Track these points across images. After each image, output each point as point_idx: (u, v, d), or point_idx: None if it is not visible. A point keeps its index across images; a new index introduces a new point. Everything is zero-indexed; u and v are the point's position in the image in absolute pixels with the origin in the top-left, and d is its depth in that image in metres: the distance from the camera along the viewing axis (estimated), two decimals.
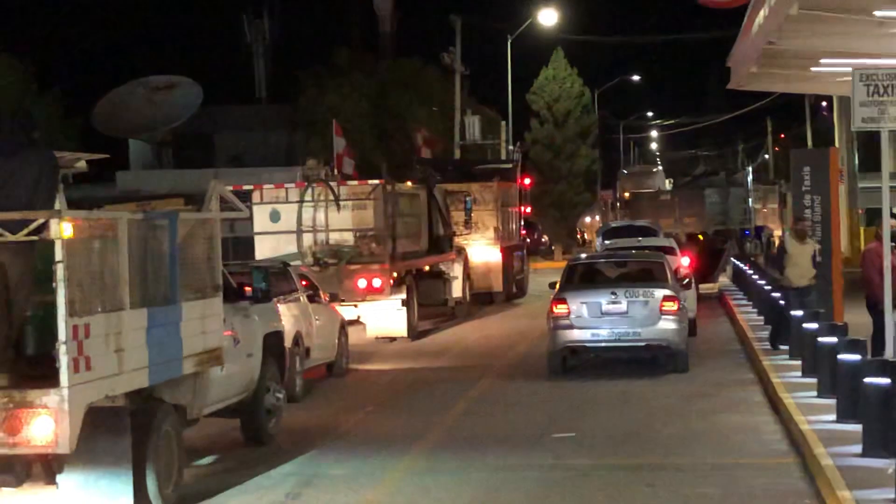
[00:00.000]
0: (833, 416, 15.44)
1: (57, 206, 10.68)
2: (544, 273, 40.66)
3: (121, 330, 11.42)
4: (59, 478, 11.64)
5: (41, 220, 10.67)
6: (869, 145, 53.03)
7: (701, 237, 52.52)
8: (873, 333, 18.42)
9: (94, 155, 20.61)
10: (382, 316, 27.41)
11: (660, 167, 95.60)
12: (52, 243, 10.60)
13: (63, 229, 10.58)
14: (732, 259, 45.60)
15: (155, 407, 12.38)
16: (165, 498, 12.17)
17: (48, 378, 10.64)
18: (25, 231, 10.73)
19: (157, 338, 12.09)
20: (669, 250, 30.06)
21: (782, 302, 22.43)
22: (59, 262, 10.58)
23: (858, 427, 13.81)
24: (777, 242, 36.68)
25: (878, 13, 20.43)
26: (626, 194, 65.21)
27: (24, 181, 11.37)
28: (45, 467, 11.60)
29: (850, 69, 16.37)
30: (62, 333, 10.55)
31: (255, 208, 27.90)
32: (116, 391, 11.48)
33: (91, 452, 11.28)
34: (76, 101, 47.22)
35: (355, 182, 29.62)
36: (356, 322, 26.58)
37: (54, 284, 10.59)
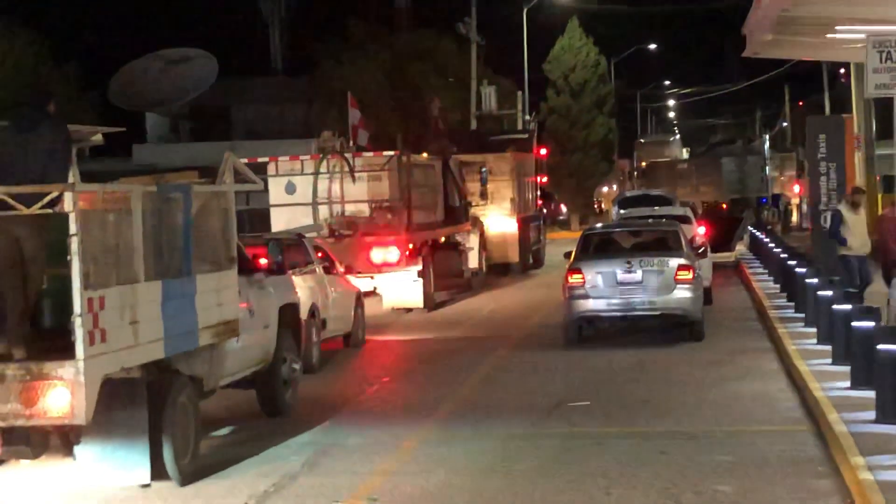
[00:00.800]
0: (847, 383, 15.48)
1: (71, 179, 10.71)
2: (561, 243, 40.69)
3: (136, 302, 11.45)
4: (75, 449, 11.74)
5: (55, 194, 10.70)
6: (887, 113, 52.87)
7: (724, 206, 52.56)
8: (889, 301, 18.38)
9: (111, 128, 20.69)
10: (398, 287, 27.42)
11: (677, 136, 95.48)
12: (66, 216, 10.63)
13: (77, 202, 10.63)
14: (749, 228, 45.55)
15: (171, 378, 12.41)
16: (182, 469, 12.21)
17: (64, 350, 10.69)
18: (39, 204, 10.74)
19: (173, 310, 12.11)
20: (685, 219, 30.03)
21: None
22: (73, 235, 10.60)
23: (872, 394, 13.84)
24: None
25: None
26: (643, 163, 65.23)
27: (38, 155, 11.42)
28: (62, 439, 11.68)
29: (863, 36, 16.31)
30: (77, 306, 10.58)
31: (270, 180, 27.96)
32: (132, 363, 11.53)
33: (108, 424, 11.38)
34: (93, 74, 47.27)
35: (370, 153, 29.60)
36: (372, 293, 26.61)
37: (69, 257, 10.62)
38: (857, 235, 21.47)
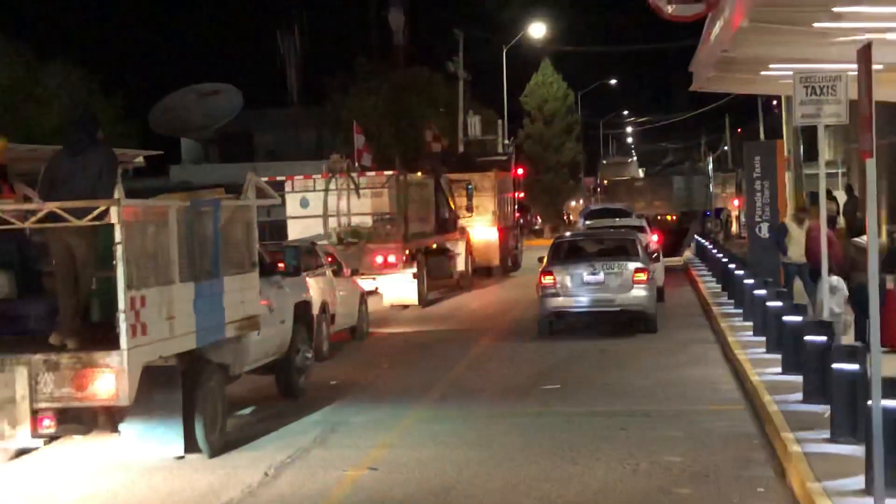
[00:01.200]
0: (779, 369, 15.48)
1: (116, 195, 10.70)
2: (536, 249, 40.61)
3: (172, 300, 11.45)
4: (120, 427, 11.72)
5: (103, 208, 10.68)
6: (811, 137, 52.90)
7: (674, 218, 52.66)
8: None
9: (151, 151, 20.64)
10: (397, 287, 27.44)
11: (634, 158, 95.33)
12: (112, 227, 10.62)
13: (122, 215, 10.61)
14: (695, 236, 45.59)
15: (202, 366, 12.41)
16: (211, 443, 12.23)
17: (110, 342, 10.68)
18: (89, 217, 10.74)
19: (203, 307, 12.11)
20: (641, 229, 30.06)
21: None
22: (118, 243, 10.60)
23: (800, 378, 13.84)
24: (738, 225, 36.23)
25: (816, 25, 20.36)
26: (605, 181, 65.10)
27: (89, 174, 11.40)
28: (109, 418, 11.63)
29: (792, 73, 16.32)
30: (122, 304, 10.58)
31: (287, 196, 28.00)
32: (168, 352, 11.53)
33: (147, 405, 11.36)
34: (136, 104, 47.21)
35: (373, 173, 29.61)
36: (374, 292, 26.62)
37: (114, 262, 10.62)
38: (798, 247, 21.45)
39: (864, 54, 8.48)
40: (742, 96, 58.66)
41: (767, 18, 20.04)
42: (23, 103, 39.64)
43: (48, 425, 10.83)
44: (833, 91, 14.91)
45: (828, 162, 21.45)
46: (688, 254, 43.98)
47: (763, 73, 27.94)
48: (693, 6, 16.47)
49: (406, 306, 27.85)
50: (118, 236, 10.59)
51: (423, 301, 28.25)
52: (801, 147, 56.25)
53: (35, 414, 10.73)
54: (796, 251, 21.46)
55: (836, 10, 18.77)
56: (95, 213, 10.70)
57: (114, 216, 10.60)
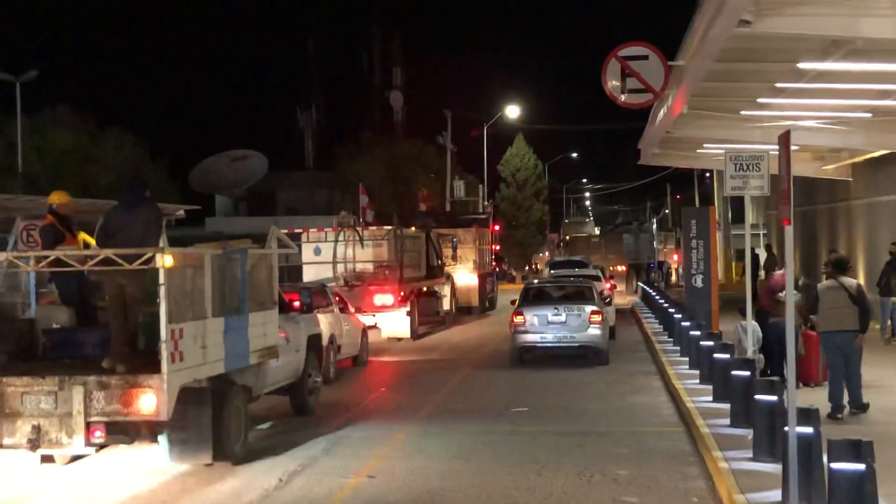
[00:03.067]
0: (710, 398, 15.43)
1: (161, 244, 10.67)
2: (508, 293, 40.57)
3: (205, 332, 11.38)
4: (160, 438, 11.61)
5: (150, 254, 10.65)
6: (738, 204, 53.11)
7: (624, 269, 52.85)
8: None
9: (190, 206, 20.58)
10: (393, 322, 27.31)
11: (591, 218, 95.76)
12: (157, 271, 10.58)
13: (165, 261, 10.60)
14: (640, 284, 45.60)
15: (229, 387, 12.30)
16: (236, 452, 12.13)
17: (153, 366, 10.61)
18: (138, 262, 10.70)
19: (231, 338, 12.04)
20: (596, 278, 30.06)
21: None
22: (161, 284, 10.55)
23: (727, 405, 13.80)
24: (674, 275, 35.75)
25: (743, 112, 20.55)
26: (567, 237, 65.30)
27: (139, 226, 11.40)
28: (150, 430, 11.52)
29: (723, 151, 16.43)
30: (163, 334, 10.51)
31: (303, 245, 27.96)
32: (201, 376, 11.44)
33: (182, 419, 11.26)
34: (178, 166, 47.31)
35: (374, 227, 29.65)
36: (374, 326, 26.50)
37: (158, 300, 10.57)
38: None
39: (785, 139, 8.54)
40: (681, 169, 59.02)
41: (703, 106, 20.26)
42: (83, 164, 39.65)
43: (99, 436, 10.74)
44: (757, 167, 14.98)
45: (751, 225, 21.47)
46: (634, 298, 43.92)
47: (699, 150, 28.19)
48: (641, 95, 16.55)
49: (400, 339, 27.72)
50: (162, 278, 10.54)
51: (415, 335, 28.12)
52: (729, 212, 56.65)
53: (88, 426, 10.64)
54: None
55: (759, 100, 18.98)
56: (143, 258, 10.66)
57: (159, 261, 10.56)
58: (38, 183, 34.93)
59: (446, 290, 33.54)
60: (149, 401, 10.54)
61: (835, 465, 8.06)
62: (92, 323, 12.56)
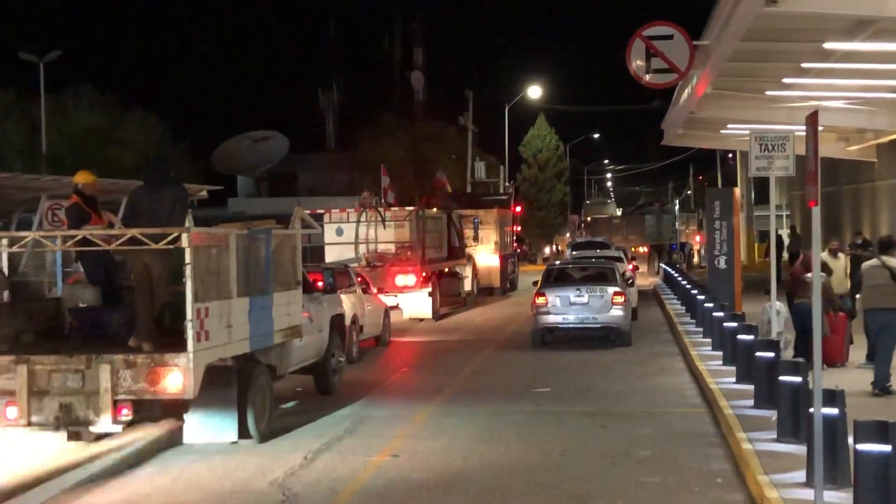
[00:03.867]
0: (733, 379, 15.41)
1: (186, 224, 10.73)
2: (529, 274, 40.59)
3: (230, 312, 11.44)
4: (185, 416, 11.71)
5: (175, 234, 10.70)
6: (761, 185, 52.88)
7: (646, 250, 52.86)
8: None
9: (213, 187, 20.64)
10: (414, 303, 27.40)
11: (613, 199, 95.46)
12: (182, 250, 10.63)
13: (191, 241, 10.65)
14: (662, 265, 45.50)
15: (253, 366, 12.40)
16: (260, 431, 12.21)
17: (179, 345, 10.68)
18: (164, 241, 10.75)
19: (256, 318, 12.10)
20: (619, 259, 30.02)
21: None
22: (187, 263, 10.61)
23: (751, 387, 13.78)
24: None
25: (768, 92, 20.42)
26: (589, 218, 65.18)
27: (164, 207, 11.45)
28: (176, 408, 11.65)
29: (748, 132, 16.34)
30: (189, 314, 10.57)
31: (325, 226, 28.03)
32: (227, 355, 11.53)
33: (208, 398, 11.35)
34: (200, 147, 47.41)
35: (396, 208, 29.66)
36: (396, 307, 26.57)
37: (184, 279, 10.63)
38: (835, 278, 19.84)
39: (812, 119, 8.48)
40: (704, 150, 58.75)
41: (727, 87, 20.17)
42: (106, 145, 39.80)
43: (126, 413, 10.82)
44: (783, 148, 14.91)
45: (777, 205, 21.29)
46: (656, 279, 43.84)
47: (722, 131, 28.07)
48: (666, 75, 16.49)
49: (422, 319, 27.80)
50: (187, 258, 10.59)
51: (436, 315, 28.19)
52: (752, 193, 56.39)
53: (115, 404, 10.72)
54: (834, 283, 18.35)
55: (785, 81, 18.87)
56: (169, 238, 10.71)
57: (184, 241, 10.61)
58: (62, 163, 35.10)
59: (468, 271, 33.58)
60: (175, 379, 10.61)
61: (861, 447, 8.04)
62: (118, 302, 12.66)
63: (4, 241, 11.48)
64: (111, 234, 11.33)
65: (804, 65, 17.04)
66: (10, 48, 38.20)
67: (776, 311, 16.06)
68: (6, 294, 12.29)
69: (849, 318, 16.60)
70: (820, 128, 8.54)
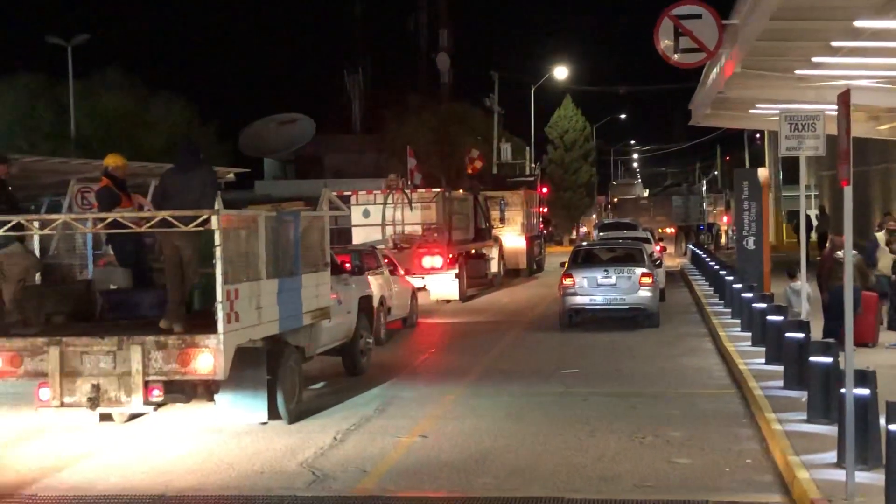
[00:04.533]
0: (763, 360, 15.36)
1: (216, 206, 10.77)
2: (556, 255, 40.56)
3: (260, 293, 11.49)
4: (216, 396, 11.80)
5: (205, 216, 10.74)
6: (789, 165, 52.52)
7: (674, 231, 52.71)
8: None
9: (240, 169, 20.72)
10: (441, 284, 27.41)
11: (639, 180, 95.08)
12: (212, 232, 10.67)
13: (220, 222, 10.70)
14: (690, 246, 45.31)
15: (283, 347, 12.46)
16: (290, 412, 12.28)
17: (209, 327, 10.74)
18: (194, 224, 10.80)
19: (285, 299, 12.15)
20: (646, 240, 29.91)
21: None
22: (217, 245, 10.64)
23: (780, 368, 13.74)
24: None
25: (797, 72, 20.24)
26: (615, 199, 64.93)
27: (194, 189, 11.50)
28: (206, 389, 11.73)
29: (777, 112, 16.21)
30: (219, 295, 10.62)
31: (352, 208, 28.05)
32: (256, 336, 11.57)
33: (238, 379, 11.44)
34: (227, 130, 47.48)
35: (423, 190, 29.65)
36: (423, 289, 26.60)
37: (214, 261, 10.68)
38: (887, 259, 18.34)
39: (844, 98, 8.41)
40: (731, 130, 58.37)
41: (756, 66, 19.98)
42: (133, 128, 39.96)
43: (157, 395, 10.93)
44: (813, 128, 14.79)
45: (806, 185, 21.17)
46: (684, 260, 43.67)
47: (751, 111, 27.83)
48: (694, 55, 16.37)
49: (449, 301, 27.83)
50: (217, 240, 10.63)
51: (463, 297, 28.21)
52: (780, 173, 56.01)
53: (147, 385, 10.83)
54: (885, 263, 18.27)
55: (814, 60, 18.68)
56: (199, 220, 10.75)
57: (214, 223, 10.66)
58: (90, 147, 35.30)
59: (494, 253, 33.55)
60: (205, 360, 10.68)
61: (893, 427, 7.99)
62: (148, 284, 12.73)
63: (35, 224, 11.55)
64: (141, 217, 11.40)
65: (834, 43, 16.86)
66: (39, 33, 38.41)
67: (806, 293, 15.96)
68: (38, 276, 12.39)
69: (881, 298, 16.50)
70: (850, 107, 8.46)
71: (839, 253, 15.54)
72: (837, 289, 15.77)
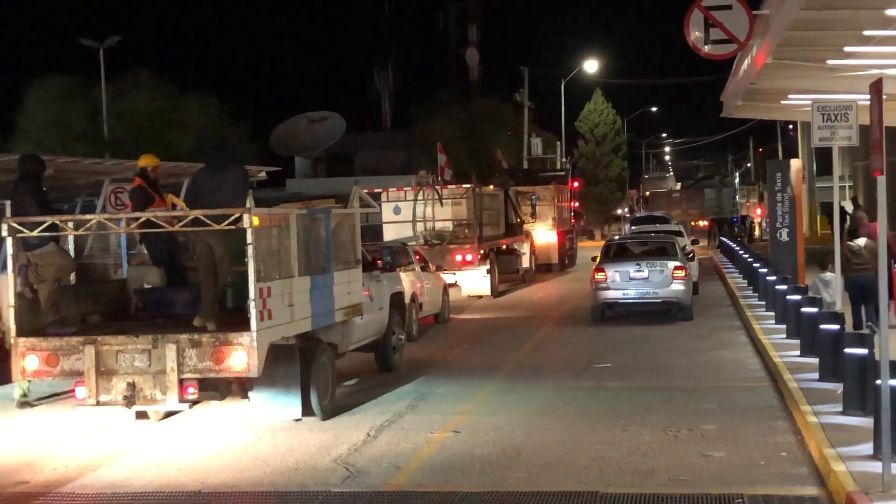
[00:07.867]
0: (798, 353, 15.28)
1: (248, 204, 10.83)
2: (588, 250, 40.40)
3: (292, 291, 11.54)
4: (250, 394, 11.87)
5: (237, 215, 10.80)
6: (823, 156, 52.07)
7: (707, 224, 52.51)
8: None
9: (272, 168, 20.83)
10: (473, 280, 27.46)
11: (671, 173, 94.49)
12: (244, 230, 10.73)
13: (252, 221, 10.76)
14: (723, 238, 45.08)
15: (316, 344, 12.51)
16: (323, 408, 12.34)
17: (243, 324, 10.79)
18: (226, 222, 10.86)
19: (317, 296, 12.20)
20: (679, 234, 29.79)
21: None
22: (249, 243, 10.70)
23: (816, 360, 13.66)
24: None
25: (829, 62, 20.07)
26: (647, 193, 64.61)
27: (226, 188, 11.56)
28: (240, 386, 11.81)
29: (810, 102, 16.09)
30: (252, 293, 10.67)
31: (382, 205, 28.15)
32: (289, 333, 11.62)
33: (272, 376, 11.48)
34: (258, 128, 47.71)
35: (453, 186, 29.68)
36: (454, 285, 26.66)
37: (246, 259, 10.73)
38: None
39: (877, 87, 8.34)
40: (763, 122, 57.94)
41: (788, 56, 19.81)
42: (165, 128, 40.27)
43: (192, 392, 11.01)
44: (846, 118, 14.67)
45: (840, 176, 20.98)
46: (718, 253, 43.44)
47: (783, 102, 27.59)
48: (725, 46, 16.26)
49: (480, 297, 27.86)
50: (249, 238, 10.69)
51: (495, 292, 28.22)
52: (814, 164, 55.55)
53: (181, 383, 10.91)
54: None
55: (846, 49, 18.51)
56: (231, 219, 10.82)
57: (246, 221, 10.71)
58: (121, 147, 35.61)
59: (526, 248, 33.52)
60: (239, 358, 10.75)
61: None
62: (181, 283, 12.82)
63: (70, 225, 11.66)
64: (174, 216, 11.49)
65: (866, 32, 16.69)
66: (72, 35, 38.77)
67: (825, 282, 15.84)
68: (73, 276, 12.52)
69: None
70: (883, 96, 8.39)
71: (853, 242, 15.51)
72: (852, 279, 15.69)
